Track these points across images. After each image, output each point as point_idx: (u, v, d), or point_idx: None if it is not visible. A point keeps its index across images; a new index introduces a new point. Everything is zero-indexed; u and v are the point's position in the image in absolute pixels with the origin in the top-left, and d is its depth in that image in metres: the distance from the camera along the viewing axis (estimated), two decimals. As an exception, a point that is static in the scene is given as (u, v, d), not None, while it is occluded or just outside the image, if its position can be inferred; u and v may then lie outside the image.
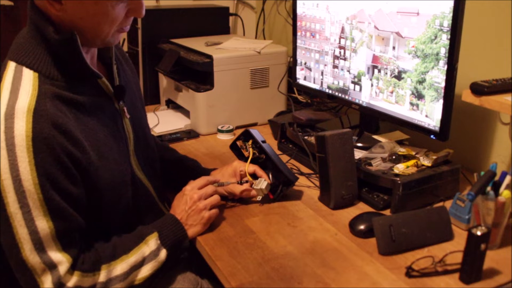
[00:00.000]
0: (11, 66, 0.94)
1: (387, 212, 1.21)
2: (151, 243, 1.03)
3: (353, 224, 1.14)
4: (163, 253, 1.03)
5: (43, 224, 0.88)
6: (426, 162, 1.25)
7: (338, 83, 1.56)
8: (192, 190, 1.14)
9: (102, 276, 0.95)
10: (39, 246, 0.89)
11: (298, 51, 1.71)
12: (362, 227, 1.11)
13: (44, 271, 0.90)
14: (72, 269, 0.92)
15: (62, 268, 0.91)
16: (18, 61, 0.94)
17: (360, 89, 1.47)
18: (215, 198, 1.15)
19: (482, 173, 1.04)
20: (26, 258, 0.89)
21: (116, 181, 1.03)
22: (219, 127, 1.74)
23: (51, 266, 0.90)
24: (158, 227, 1.07)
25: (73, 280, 0.92)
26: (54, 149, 0.88)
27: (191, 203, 1.11)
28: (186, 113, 1.87)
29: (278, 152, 1.52)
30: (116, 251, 1.00)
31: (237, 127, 1.80)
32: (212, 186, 1.17)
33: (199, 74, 1.77)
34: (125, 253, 1.00)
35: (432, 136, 1.27)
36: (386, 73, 1.36)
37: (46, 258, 0.90)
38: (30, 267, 0.89)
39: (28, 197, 0.87)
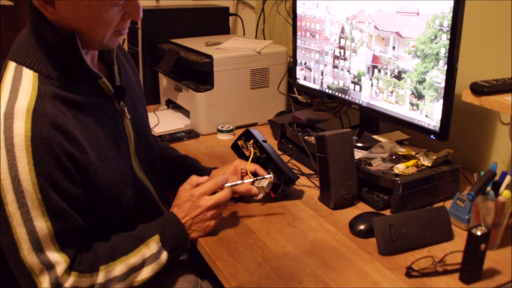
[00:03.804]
0: (11, 66, 0.94)
1: (387, 212, 1.21)
2: (152, 246, 1.02)
3: (353, 224, 1.14)
4: (164, 256, 1.03)
5: (41, 224, 0.88)
6: (426, 162, 1.25)
7: (338, 83, 1.56)
8: (203, 197, 1.09)
9: (100, 277, 0.95)
10: (37, 246, 0.89)
11: (298, 51, 1.71)
12: (362, 227, 1.11)
13: (42, 271, 0.90)
14: (69, 269, 0.92)
15: (60, 269, 0.90)
16: (18, 61, 0.94)
17: (360, 89, 1.47)
18: (224, 207, 1.14)
19: (482, 173, 1.04)
20: (24, 258, 0.89)
21: (116, 181, 1.03)
22: (219, 127, 1.74)
23: (49, 266, 0.90)
24: (160, 228, 1.05)
25: (70, 281, 0.92)
26: (53, 149, 0.88)
27: (200, 210, 1.08)
28: (186, 113, 1.87)
29: (279, 152, 1.52)
30: (116, 251, 0.99)
31: (237, 127, 1.80)
32: (227, 193, 1.11)
33: (199, 74, 1.77)
34: (124, 254, 0.99)
35: (432, 136, 1.27)
36: (386, 73, 1.36)
37: (44, 258, 0.89)
38: (28, 267, 0.89)
39: (26, 197, 0.87)
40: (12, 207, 0.87)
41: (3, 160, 0.86)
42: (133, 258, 0.99)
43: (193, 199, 1.09)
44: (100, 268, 0.95)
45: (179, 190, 1.13)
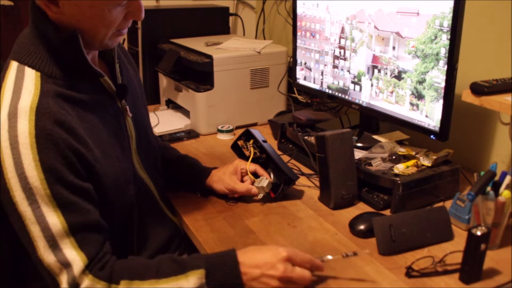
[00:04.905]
0: (13, 65, 0.94)
1: (387, 212, 1.21)
2: (192, 280, 0.89)
3: (353, 224, 1.14)
4: None
5: (54, 220, 0.87)
6: (426, 162, 1.25)
7: (338, 83, 1.56)
8: (287, 264, 0.91)
9: None
10: (53, 244, 0.87)
11: (298, 51, 1.71)
12: (362, 227, 1.11)
13: (61, 270, 0.88)
14: (87, 269, 0.89)
15: (76, 268, 0.88)
16: (20, 60, 0.94)
17: (360, 89, 1.47)
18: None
19: (482, 173, 1.04)
20: (41, 256, 0.87)
21: (119, 179, 1.02)
22: (219, 127, 1.74)
23: (66, 265, 0.88)
24: (210, 263, 0.91)
25: (85, 283, 0.88)
26: (58, 145, 0.87)
27: (273, 273, 0.90)
28: (186, 113, 1.87)
29: (279, 152, 1.52)
30: (148, 271, 0.91)
31: (237, 127, 1.80)
32: (308, 275, 0.93)
33: (199, 74, 1.77)
34: (156, 277, 0.90)
35: (432, 136, 1.27)
36: (386, 73, 1.36)
37: (61, 256, 0.87)
38: (46, 266, 0.88)
39: (36, 193, 0.86)
40: (23, 205, 0.86)
41: (8, 159, 0.86)
42: (164, 285, 0.89)
43: (277, 256, 0.92)
44: (120, 282, 0.89)
45: None
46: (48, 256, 0.87)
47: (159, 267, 0.91)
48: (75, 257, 0.88)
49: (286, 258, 0.91)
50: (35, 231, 0.87)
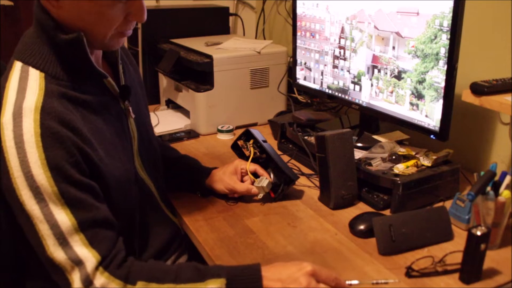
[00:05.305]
0: (17, 66, 0.94)
1: (387, 212, 1.21)
2: None
3: (353, 224, 1.14)
4: None
5: (62, 217, 0.86)
6: (426, 162, 1.25)
7: (338, 83, 1.56)
8: (311, 278, 0.89)
9: None
10: (63, 241, 0.86)
11: (298, 51, 1.71)
12: (362, 227, 1.11)
13: (73, 268, 0.87)
14: (102, 267, 0.87)
15: (89, 265, 0.87)
16: (24, 61, 0.94)
17: (360, 89, 1.47)
18: None
19: (482, 173, 1.05)
20: (51, 255, 0.86)
21: (122, 180, 1.02)
22: (219, 127, 1.75)
23: (78, 262, 0.87)
24: (232, 274, 0.90)
25: (101, 280, 0.87)
26: (63, 143, 0.87)
27: (295, 286, 0.89)
28: (186, 113, 1.87)
29: (279, 152, 1.52)
30: (166, 275, 0.90)
31: (237, 127, 1.80)
32: None
33: (199, 74, 1.77)
34: (174, 282, 0.89)
35: (432, 136, 1.27)
36: (386, 73, 1.36)
37: (72, 253, 0.87)
38: (58, 264, 0.87)
39: (43, 192, 0.85)
40: (30, 204, 0.86)
41: (14, 158, 0.85)
42: None
43: (302, 271, 0.90)
44: (137, 282, 0.88)
45: None
46: (58, 254, 0.86)
47: (179, 272, 0.91)
48: (87, 254, 0.87)
49: (310, 273, 0.90)
50: (44, 229, 0.86)
